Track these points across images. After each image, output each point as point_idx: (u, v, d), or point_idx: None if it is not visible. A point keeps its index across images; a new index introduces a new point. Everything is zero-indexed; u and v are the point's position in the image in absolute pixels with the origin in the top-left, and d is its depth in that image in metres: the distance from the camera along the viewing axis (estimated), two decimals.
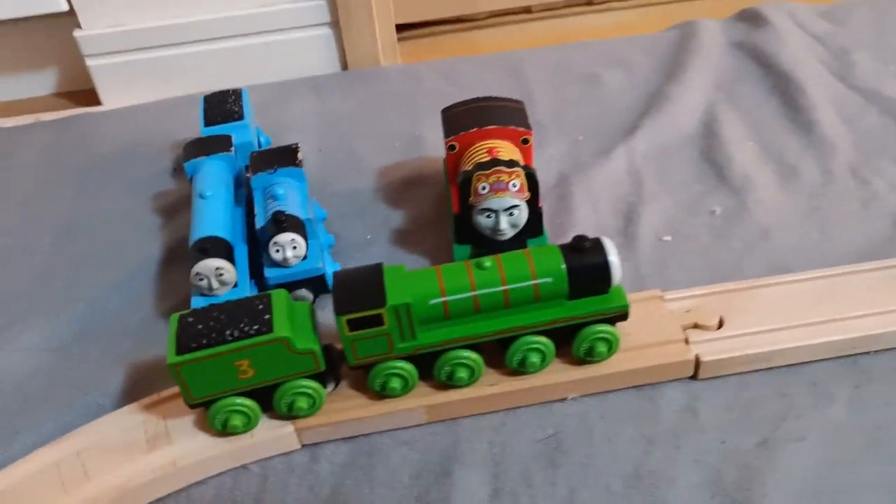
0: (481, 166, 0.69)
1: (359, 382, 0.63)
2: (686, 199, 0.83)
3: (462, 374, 0.61)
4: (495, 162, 0.70)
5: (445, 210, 0.83)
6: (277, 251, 0.69)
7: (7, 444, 0.63)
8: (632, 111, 0.98)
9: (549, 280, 0.58)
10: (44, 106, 1.16)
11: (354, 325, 0.57)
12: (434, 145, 0.94)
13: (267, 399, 0.60)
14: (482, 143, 0.75)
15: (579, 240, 0.59)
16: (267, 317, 0.57)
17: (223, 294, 0.68)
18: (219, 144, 0.81)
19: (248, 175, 0.80)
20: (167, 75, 1.11)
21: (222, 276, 0.67)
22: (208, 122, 0.86)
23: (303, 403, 0.59)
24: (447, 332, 0.59)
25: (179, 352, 0.56)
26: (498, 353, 0.62)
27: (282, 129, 1.01)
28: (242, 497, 0.59)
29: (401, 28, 1.19)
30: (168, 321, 0.73)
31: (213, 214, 0.73)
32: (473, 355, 0.60)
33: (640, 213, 0.81)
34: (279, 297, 0.59)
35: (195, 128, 1.00)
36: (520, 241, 0.72)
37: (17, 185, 0.97)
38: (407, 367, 0.60)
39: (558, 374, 0.62)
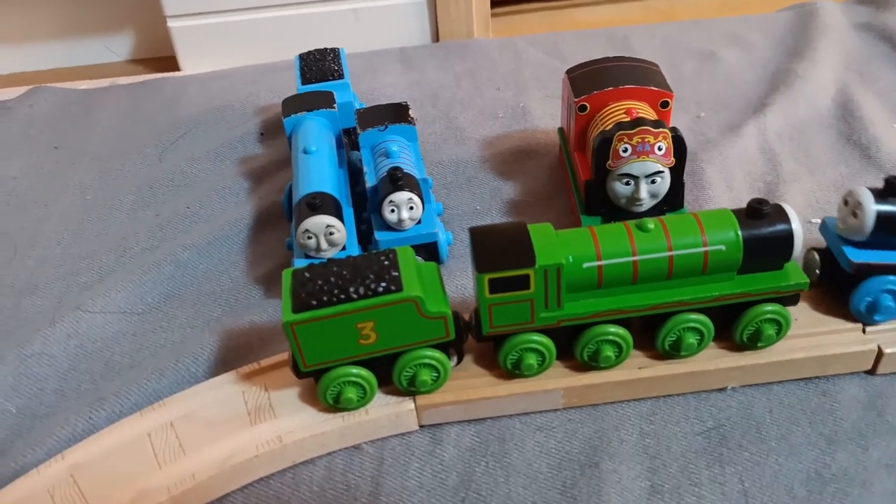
0: (623, 126, 0.62)
1: (485, 359, 0.56)
2: (832, 180, 0.75)
3: (609, 352, 0.52)
4: (640, 121, 0.62)
5: (561, 182, 0.76)
6: (392, 211, 0.62)
7: (92, 411, 0.57)
8: (755, 88, 0.90)
9: (721, 248, 0.50)
10: (120, 71, 1.11)
11: (497, 286, 0.49)
12: (541, 117, 0.87)
13: (385, 371, 0.52)
14: (617, 103, 0.67)
15: (758, 203, 0.51)
16: (395, 274, 0.49)
17: (330, 256, 0.61)
18: (321, 101, 0.74)
19: (356, 133, 0.73)
20: (249, 41, 1.05)
21: (332, 236, 0.60)
22: (305, 80, 0.79)
23: (426, 376, 0.52)
24: (597, 302, 0.51)
25: (296, 309, 0.48)
26: (643, 333, 0.54)
27: (372, 98, 0.95)
28: (356, 480, 0.51)
29: (492, 4, 1.13)
30: (269, 285, 0.68)
31: (320, 170, 0.66)
32: (622, 331, 0.52)
33: (782, 193, 0.73)
34: (405, 254, 0.51)
35: (278, 94, 0.95)
36: (657, 213, 0.64)
37: (97, 146, 0.92)
38: (545, 342, 0.52)
39: (719, 359, 0.54)
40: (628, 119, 0.63)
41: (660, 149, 0.61)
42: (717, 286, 0.51)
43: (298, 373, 0.51)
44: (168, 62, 1.09)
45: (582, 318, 0.51)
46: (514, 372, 0.53)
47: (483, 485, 0.50)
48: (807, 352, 0.54)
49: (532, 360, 0.52)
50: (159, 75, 1.06)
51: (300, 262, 0.61)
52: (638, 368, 0.54)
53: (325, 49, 0.84)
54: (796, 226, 0.50)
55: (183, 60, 1.06)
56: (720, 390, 0.54)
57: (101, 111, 0.98)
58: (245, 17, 1.03)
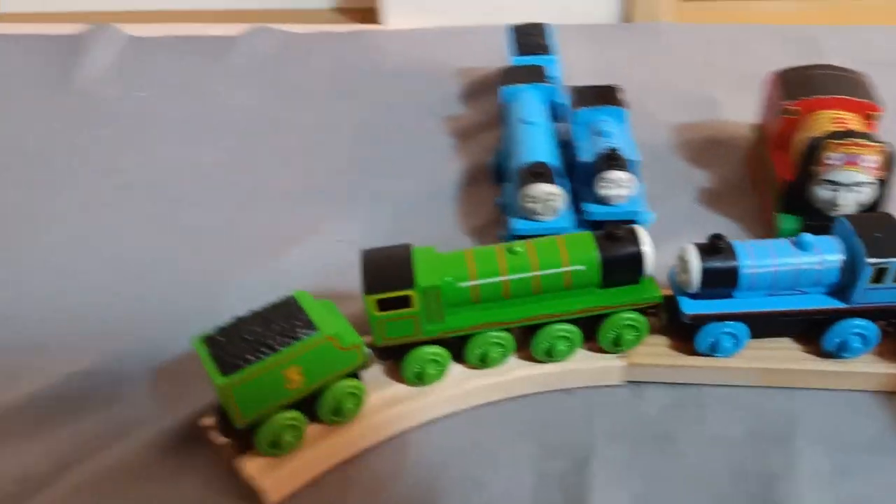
0: (836, 135, 0.66)
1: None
2: None
3: (496, 353, 0.60)
4: (852, 133, 0.66)
5: (753, 176, 0.81)
6: (605, 187, 0.69)
7: None
8: None
9: (582, 268, 0.56)
10: (322, 18, 1.20)
11: (384, 305, 0.56)
12: (732, 109, 0.91)
13: (310, 407, 0.56)
14: (826, 111, 0.71)
15: (613, 228, 0.57)
16: (306, 318, 0.54)
17: (548, 221, 0.69)
18: (535, 74, 0.81)
19: (558, 107, 0.80)
20: (449, 3, 1.12)
21: (552, 203, 0.68)
22: (519, 51, 0.86)
23: (350, 404, 0.57)
24: (475, 316, 0.58)
25: (227, 371, 0.51)
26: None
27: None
28: (570, 416, 0.60)
29: None
30: (481, 236, 0.75)
31: (540, 141, 0.73)
32: (504, 334, 0.59)
33: None
34: (304, 297, 0.56)
35: (476, 58, 1.02)
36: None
37: (312, 88, 1.01)
38: (440, 352, 0.59)
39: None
40: (839, 128, 0.68)
41: (869, 161, 0.65)
42: (580, 300, 0.58)
43: (232, 431, 0.54)
44: (368, 14, 1.18)
45: (462, 331, 0.58)
46: (416, 382, 0.60)
47: (682, 440, 0.58)
48: None
49: (432, 369, 0.59)
50: (365, 27, 1.15)
51: (520, 224, 0.70)
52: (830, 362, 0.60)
53: (536, 24, 0.90)
54: (646, 248, 0.57)
55: (386, 14, 1.14)
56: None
57: (313, 56, 1.08)
58: None
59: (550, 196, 0.68)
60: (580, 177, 0.72)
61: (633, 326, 0.59)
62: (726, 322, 0.58)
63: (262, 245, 0.77)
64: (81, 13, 1.22)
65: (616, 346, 0.60)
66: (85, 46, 1.10)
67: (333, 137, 0.92)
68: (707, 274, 0.57)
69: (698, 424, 0.59)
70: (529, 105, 0.77)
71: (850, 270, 0.57)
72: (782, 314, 0.58)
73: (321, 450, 0.57)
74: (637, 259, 0.57)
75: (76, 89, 1.03)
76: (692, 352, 0.61)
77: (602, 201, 0.70)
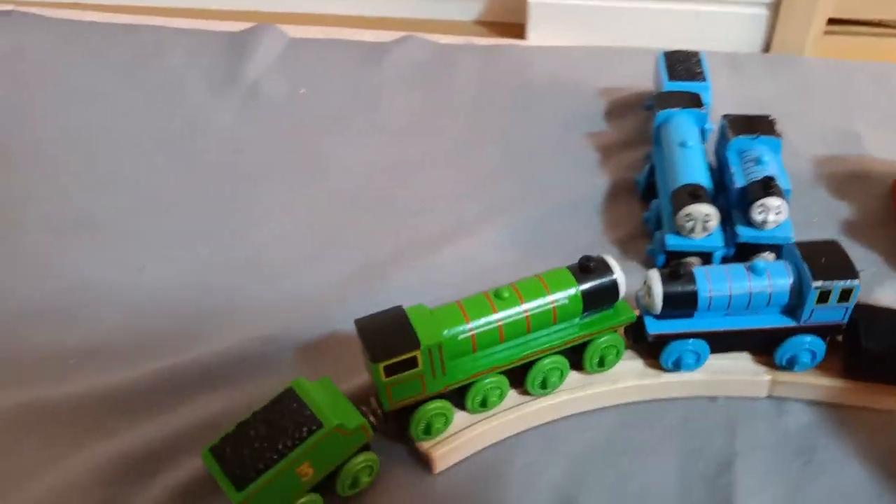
0: None
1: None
2: None
3: (495, 397, 0.63)
4: None
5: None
6: (761, 213, 0.72)
7: None
8: None
9: (565, 302, 0.61)
10: (467, 31, 1.27)
11: (391, 370, 0.57)
12: (876, 145, 0.93)
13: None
14: None
15: (586, 261, 0.62)
16: (308, 412, 0.55)
17: (698, 240, 0.73)
18: (690, 100, 0.85)
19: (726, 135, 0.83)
20: (590, 24, 1.17)
21: (708, 223, 0.72)
22: (672, 77, 0.90)
23: (365, 478, 0.60)
24: (475, 364, 0.61)
25: (240, 485, 0.52)
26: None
27: None
28: (712, 424, 0.64)
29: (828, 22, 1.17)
30: (626, 247, 0.80)
31: (695, 164, 0.77)
32: (500, 378, 0.62)
33: None
34: (301, 386, 0.57)
35: (620, 78, 1.07)
36: None
37: (459, 97, 1.07)
38: (444, 405, 0.61)
39: None
40: None
41: None
42: (566, 332, 0.62)
43: None
44: (513, 28, 1.24)
45: (465, 380, 0.61)
46: (424, 438, 0.61)
47: (822, 457, 0.61)
48: None
49: (440, 423, 0.61)
50: (510, 41, 1.21)
51: (673, 240, 0.74)
52: None
53: (688, 51, 0.95)
54: (617, 275, 0.62)
55: (531, 30, 1.20)
56: None
57: (459, 66, 1.14)
58: (596, 2, 1.16)
59: (707, 216, 0.72)
60: (732, 201, 0.76)
61: (613, 346, 0.64)
62: (688, 340, 0.63)
63: (416, 244, 0.83)
64: (237, 11, 1.31)
65: (600, 367, 0.65)
66: (250, 44, 1.19)
67: (480, 145, 0.98)
68: (668, 298, 0.62)
69: (838, 444, 0.62)
70: (685, 129, 0.82)
71: (798, 293, 0.62)
72: (738, 332, 0.64)
73: (476, 433, 0.62)
74: (613, 287, 0.62)
75: (244, 84, 1.11)
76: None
77: (753, 225, 0.74)
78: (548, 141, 0.98)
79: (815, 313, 0.62)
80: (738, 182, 0.76)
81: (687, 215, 0.72)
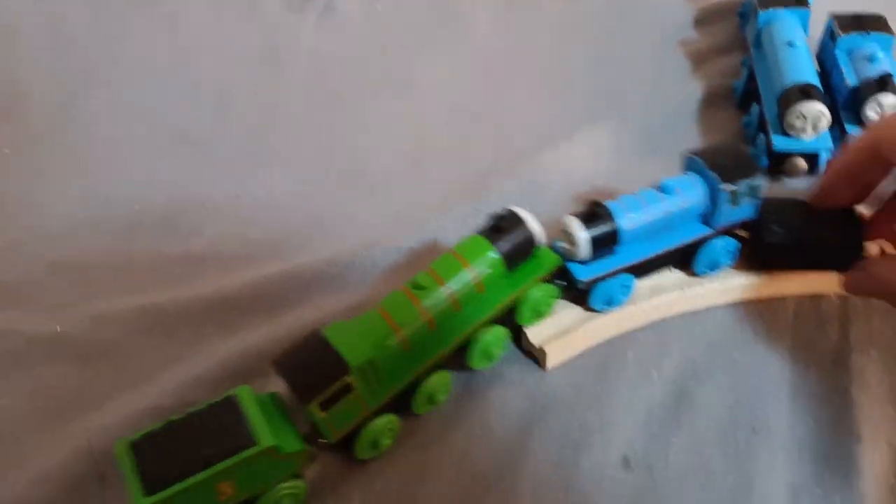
0: None
1: None
2: None
3: (442, 395, 0.59)
4: None
5: None
6: (877, 109, 0.70)
7: None
8: None
9: (487, 271, 0.57)
10: None
11: (326, 404, 0.51)
12: None
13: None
14: None
15: (497, 220, 0.58)
16: (245, 425, 0.49)
17: (807, 140, 0.72)
18: None
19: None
20: None
21: (820, 122, 0.70)
22: None
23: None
24: (413, 363, 0.56)
25: (149, 490, 0.46)
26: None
27: None
28: (823, 323, 0.64)
29: None
30: None
31: (805, 63, 0.75)
32: (442, 372, 0.58)
33: None
34: (245, 395, 0.52)
35: None
36: None
37: (546, 11, 1.05)
38: (391, 420, 0.56)
39: None
40: None
41: None
42: (496, 297, 0.58)
43: None
44: None
45: (406, 383, 0.56)
46: (374, 452, 0.56)
47: None
48: None
49: (387, 439, 0.56)
50: None
51: (778, 139, 0.72)
52: None
53: None
54: (532, 225, 0.58)
55: None
56: None
57: None
58: None
59: (820, 114, 0.70)
60: (847, 100, 0.74)
61: (547, 296, 0.61)
62: (615, 277, 0.61)
63: (514, 152, 0.82)
64: None
65: (539, 317, 0.62)
66: None
67: (570, 55, 0.96)
68: (593, 241, 0.59)
69: None
70: (790, 28, 0.79)
71: (709, 199, 0.61)
72: (662, 255, 0.62)
73: (589, 329, 0.63)
74: (530, 240, 0.59)
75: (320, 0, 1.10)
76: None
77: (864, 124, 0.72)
78: (640, 49, 0.96)
79: (728, 215, 0.62)
80: (850, 81, 0.73)
81: (798, 114, 0.70)
